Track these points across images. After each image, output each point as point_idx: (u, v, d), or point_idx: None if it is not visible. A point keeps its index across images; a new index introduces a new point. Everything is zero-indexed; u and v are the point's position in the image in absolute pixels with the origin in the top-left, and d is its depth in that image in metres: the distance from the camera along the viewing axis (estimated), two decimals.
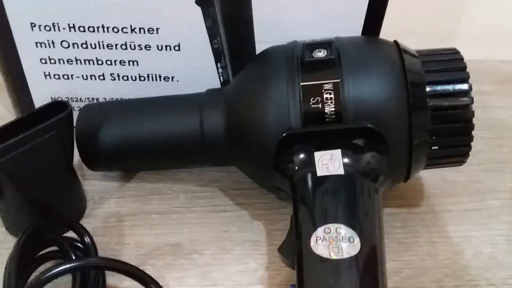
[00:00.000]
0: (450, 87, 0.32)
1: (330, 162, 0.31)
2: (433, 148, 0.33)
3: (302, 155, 0.32)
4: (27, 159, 0.33)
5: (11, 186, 0.33)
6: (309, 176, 0.31)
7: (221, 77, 0.42)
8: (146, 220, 0.38)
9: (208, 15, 0.38)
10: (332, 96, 0.32)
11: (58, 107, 0.35)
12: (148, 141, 0.38)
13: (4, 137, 0.32)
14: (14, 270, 0.31)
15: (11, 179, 0.33)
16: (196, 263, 0.36)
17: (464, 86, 0.32)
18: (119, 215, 0.39)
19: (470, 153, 0.34)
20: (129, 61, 0.41)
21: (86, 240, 0.34)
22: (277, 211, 0.39)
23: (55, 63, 0.41)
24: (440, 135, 0.33)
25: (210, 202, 0.40)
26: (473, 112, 0.32)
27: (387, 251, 0.31)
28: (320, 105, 0.32)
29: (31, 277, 0.32)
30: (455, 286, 0.35)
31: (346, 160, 0.31)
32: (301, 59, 0.33)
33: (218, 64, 0.41)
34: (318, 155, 0.32)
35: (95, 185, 0.41)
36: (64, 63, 0.41)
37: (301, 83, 0.32)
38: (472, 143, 0.33)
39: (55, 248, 0.34)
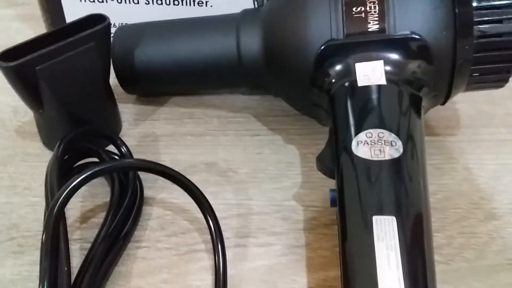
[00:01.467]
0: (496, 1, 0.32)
1: (371, 73, 0.31)
2: (477, 63, 0.32)
3: (342, 67, 0.32)
4: (66, 68, 0.33)
5: (50, 95, 0.33)
6: (349, 86, 0.31)
7: (256, 2, 0.42)
8: (181, 141, 0.39)
9: None
10: (376, 5, 0.31)
11: (96, 21, 0.35)
12: (183, 61, 0.38)
13: (43, 46, 0.32)
14: (56, 178, 0.31)
15: (50, 88, 0.33)
16: (231, 180, 0.36)
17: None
18: (154, 135, 0.39)
19: (508, 88, 0.34)
20: None
21: (123, 150, 0.34)
22: (311, 137, 0.39)
23: None
24: (485, 49, 0.32)
25: (244, 127, 0.40)
26: None
27: None
28: (363, 15, 0.31)
29: None
30: (491, 209, 0.35)
31: (389, 69, 0.31)
32: None
33: None
34: (359, 66, 0.31)
35: (129, 108, 0.41)
36: None
37: None
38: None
39: (94, 159, 0.35)
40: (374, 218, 0.25)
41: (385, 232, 0.25)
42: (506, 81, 0.34)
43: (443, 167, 0.37)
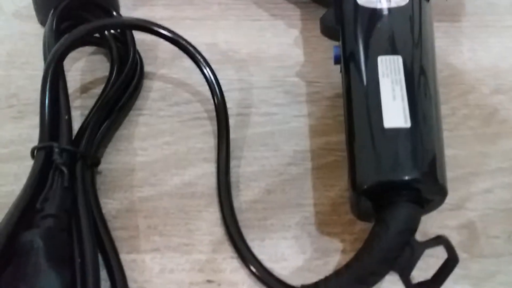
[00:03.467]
0: None
1: None
2: None
3: None
4: None
5: None
6: None
7: None
8: (180, 24, 0.38)
9: None
10: None
11: None
12: None
13: None
14: (53, 43, 0.31)
15: None
16: (232, 59, 0.36)
17: None
18: (153, 19, 0.38)
19: None
20: None
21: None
22: (313, 22, 0.38)
23: None
24: None
25: (244, 13, 0.39)
26: None
27: None
28: None
29: None
30: (496, 85, 0.35)
31: None
32: None
33: None
34: None
35: None
36: None
37: None
38: None
39: None
40: (379, 58, 0.25)
41: (390, 69, 0.24)
42: None
43: (448, 49, 0.37)
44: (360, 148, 0.23)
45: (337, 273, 0.22)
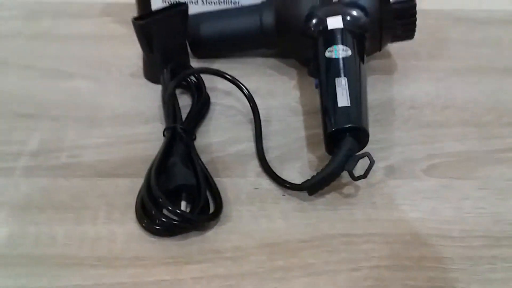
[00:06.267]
0: None
1: (335, 22, 0.59)
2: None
3: (319, 20, 0.59)
4: (165, 27, 0.60)
5: (156, 43, 0.61)
6: (323, 30, 0.59)
7: None
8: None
9: None
10: None
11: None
12: (227, 32, 0.65)
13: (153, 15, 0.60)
14: (169, 81, 0.58)
15: (156, 38, 0.60)
16: (258, 95, 0.63)
17: None
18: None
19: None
20: None
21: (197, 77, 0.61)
22: (304, 73, 0.66)
23: None
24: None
25: (263, 70, 0.67)
26: None
27: None
28: None
29: None
30: (411, 104, 0.62)
31: (348, 19, 0.58)
32: None
33: None
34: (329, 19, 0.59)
35: (194, 64, 0.68)
36: None
37: None
38: None
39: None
40: (336, 79, 0.53)
41: (341, 83, 0.52)
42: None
43: (383, 87, 0.64)
44: (327, 116, 0.51)
45: (313, 176, 0.48)
